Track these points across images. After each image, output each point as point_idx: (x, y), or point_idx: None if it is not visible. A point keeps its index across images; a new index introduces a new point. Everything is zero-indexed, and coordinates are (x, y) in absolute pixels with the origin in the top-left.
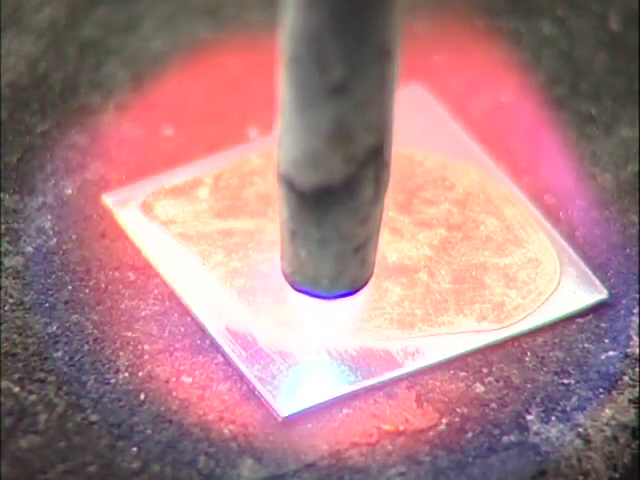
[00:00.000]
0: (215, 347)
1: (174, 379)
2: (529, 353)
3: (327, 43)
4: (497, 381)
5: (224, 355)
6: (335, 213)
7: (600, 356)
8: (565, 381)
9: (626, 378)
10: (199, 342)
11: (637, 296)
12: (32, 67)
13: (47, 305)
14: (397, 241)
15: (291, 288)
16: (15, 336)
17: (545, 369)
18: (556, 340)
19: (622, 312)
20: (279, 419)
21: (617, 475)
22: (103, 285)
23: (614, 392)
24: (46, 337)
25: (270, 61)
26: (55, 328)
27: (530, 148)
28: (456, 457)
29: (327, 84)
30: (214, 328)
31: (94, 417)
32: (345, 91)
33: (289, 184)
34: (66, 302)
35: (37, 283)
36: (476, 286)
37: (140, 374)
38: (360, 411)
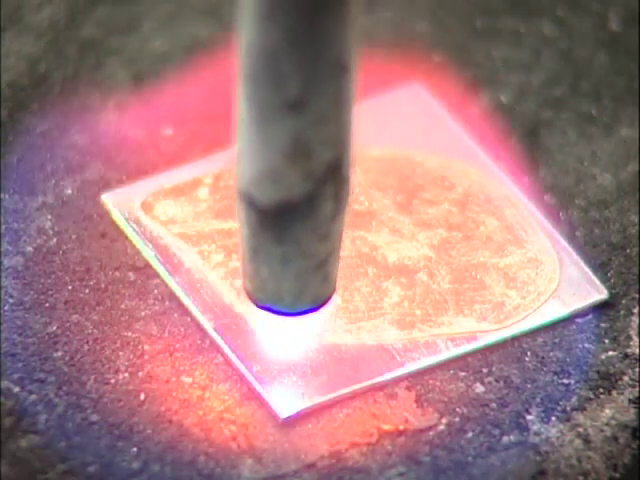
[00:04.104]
0: (215, 347)
1: (174, 379)
2: (529, 353)
3: (283, 59)
4: (497, 381)
5: (224, 355)
6: (296, 230)
7: (600, 356)
8: (565, 381)
9: (626, 378)
10: (199, 342)
11: (637, 296)
12: (32, 67)
13: (47, 305)
14: (397, 241)
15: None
16: (15, 336)
17: (545, 369)
18: (556, 340)
19: (622, 312)
20: (279, 419)
21: (617, 475)
22: (103, 285)
23: (614, 392)
24: (46, 337)
25: None
26: (55, 328)
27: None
28: (456, 457)
29: (284, 100)
30: (214, 328)
31: (94, 417)
32: (302, 107)
33: (249, 201)
34: (66, 302)
35: (37, 283)
36: (476, 286)
37: (140, 374)
38: (360, 411)
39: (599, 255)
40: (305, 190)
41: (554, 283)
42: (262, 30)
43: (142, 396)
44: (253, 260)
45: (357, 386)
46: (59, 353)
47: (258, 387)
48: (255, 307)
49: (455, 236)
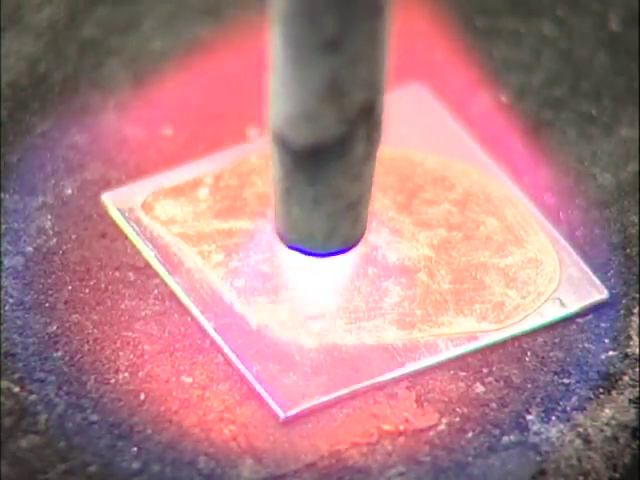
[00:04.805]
0: (215, 347)
1: (174, 379)
2: (529, 353)
3: None
4: (497, 381)
5: (224, 355)
6: (328, 171)
7: (600, 356)
8: (565, 381)
9: (626, 378)
10: (199, 342)
11: (637, 296)
12: (32, 67)
13: (47, 305)
14: (397, 241)
15: (285, 249)
16: (15, 336)
17: (545, 369)
18: (556, 340)
19: (622, 312)
20: (279, 419)
21: (617, 475)
22: (103, 285)
23: (614, 392)
24: (46, 337)
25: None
26: (55, 328)
27: (530, 148)
28: (456, 457)
29: (319, 40)
30: (214, 328)
31: (94, 417)
32: (337, 46)
33: (282, 142)
34: (66, 302)
35: (37, 283)
36: (476, 286)
37: (140, 374)
38: (360, 411)
39: (599, 255)
40: (339, 131)
41: (554, 283)
42: None
43: (142, 396)
44: (285, 201)
45: (357, 386)
46: (59, 353)
47: (258, 387)
48: (286, 247)
49: (455, 236)
